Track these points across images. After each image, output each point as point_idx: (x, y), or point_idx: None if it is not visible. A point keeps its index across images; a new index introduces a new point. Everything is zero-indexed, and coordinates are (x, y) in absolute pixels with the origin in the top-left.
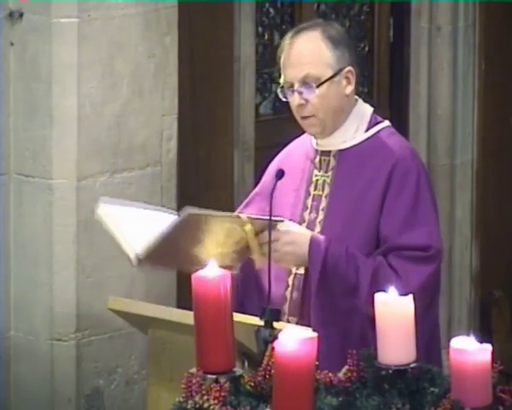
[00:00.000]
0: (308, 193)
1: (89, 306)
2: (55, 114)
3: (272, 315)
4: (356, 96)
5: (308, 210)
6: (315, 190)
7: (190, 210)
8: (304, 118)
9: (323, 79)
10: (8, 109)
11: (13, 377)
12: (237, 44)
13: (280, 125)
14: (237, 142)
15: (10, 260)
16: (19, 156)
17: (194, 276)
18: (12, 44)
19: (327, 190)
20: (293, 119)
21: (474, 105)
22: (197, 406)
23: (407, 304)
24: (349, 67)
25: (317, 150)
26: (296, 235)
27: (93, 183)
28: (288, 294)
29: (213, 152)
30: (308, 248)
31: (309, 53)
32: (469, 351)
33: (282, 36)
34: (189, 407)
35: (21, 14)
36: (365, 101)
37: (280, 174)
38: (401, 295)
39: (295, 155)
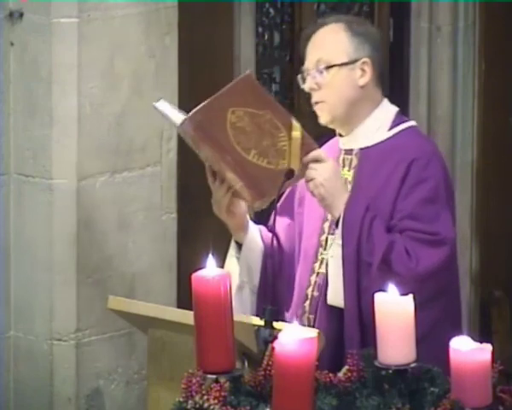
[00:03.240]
0: None
1: (89, 306)
2: (55, 114)
3: (272, 315)
4: (382, 97)
5: None
6: None
7: (251, 74)
8: (315, 103)
9: (334, 63)
10: (8, 109)
11: (13, 377)
12: (237, 44)
13: None
14: None
15: (10, 260)
16: (19, 156)
17: (194, 276)
18: (12, 44)
19: (348, 188)
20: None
21: (474, 105)
22: (197, 406)
23: (407, 304)
24: (365, 59)
25: (341, 150)
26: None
27: (93, 183)
28: (309, 292)
29: None
30: (346, 201)
31: (325, 39)
32: (469, 351)
33: (282, 36)
34: (189, 407)
35: (21, 14)
36: None
37: (289, 175)
38: (410, 275)
39: None
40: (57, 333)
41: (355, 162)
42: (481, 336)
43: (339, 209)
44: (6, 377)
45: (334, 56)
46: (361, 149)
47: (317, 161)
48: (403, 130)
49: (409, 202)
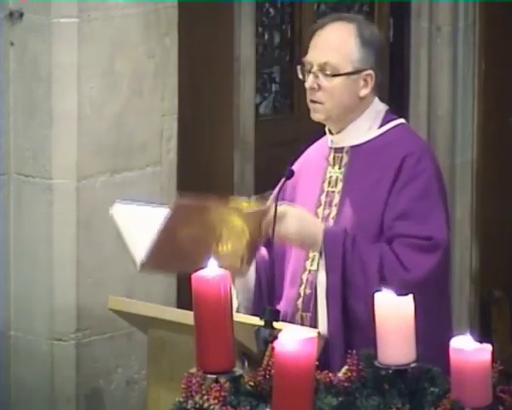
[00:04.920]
0: (322, 190)
1: (89, 306)
2: (55, 114)
3: (272, 315)
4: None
5: (322, 206)
6: (328, 186)
7: (179, 201)
8: (312, 102)
9: (341, 72)
10: (8, 109)
11: (13, 376)
12: (237, 44)
13: (280, 125)
14: (237, 142)
15: (10, 260)
16: (19, 156)
17: (194, 276)
18: (12, 44)
19: (340, 185)
20: (293, 118)
21: (474, 105)
22: (197, 406)
23: (407, 304)
24: (370, 71)
25: (331, 148)
26: (304, 214)
27: (93, 183)
28: (301, 290)
29: (213, 152)
30: (323, 234)
31: (336, 42)
32: (469, 351)
33: (282, 36)
34: (189, 407)
35: (21, 14)
36: None
37: (290, 174)
38: (406, 284)
39: (313, 155)
40: (57, 333)
41: (346, 160)
42: (481, 335)
43: (318, 245)
44: (6, 377)
45: (341, 64)
46: (352, 146)
47: (278, 217)
48: (393, 127)
49: (401, 200)
